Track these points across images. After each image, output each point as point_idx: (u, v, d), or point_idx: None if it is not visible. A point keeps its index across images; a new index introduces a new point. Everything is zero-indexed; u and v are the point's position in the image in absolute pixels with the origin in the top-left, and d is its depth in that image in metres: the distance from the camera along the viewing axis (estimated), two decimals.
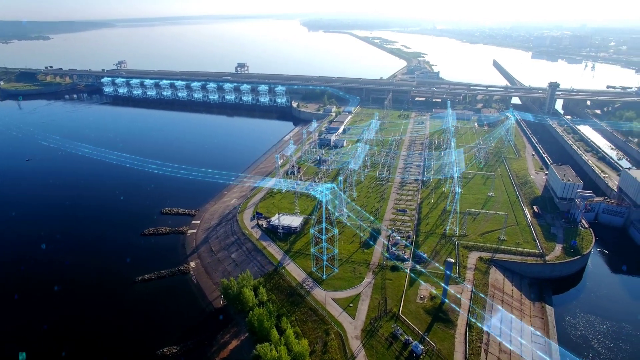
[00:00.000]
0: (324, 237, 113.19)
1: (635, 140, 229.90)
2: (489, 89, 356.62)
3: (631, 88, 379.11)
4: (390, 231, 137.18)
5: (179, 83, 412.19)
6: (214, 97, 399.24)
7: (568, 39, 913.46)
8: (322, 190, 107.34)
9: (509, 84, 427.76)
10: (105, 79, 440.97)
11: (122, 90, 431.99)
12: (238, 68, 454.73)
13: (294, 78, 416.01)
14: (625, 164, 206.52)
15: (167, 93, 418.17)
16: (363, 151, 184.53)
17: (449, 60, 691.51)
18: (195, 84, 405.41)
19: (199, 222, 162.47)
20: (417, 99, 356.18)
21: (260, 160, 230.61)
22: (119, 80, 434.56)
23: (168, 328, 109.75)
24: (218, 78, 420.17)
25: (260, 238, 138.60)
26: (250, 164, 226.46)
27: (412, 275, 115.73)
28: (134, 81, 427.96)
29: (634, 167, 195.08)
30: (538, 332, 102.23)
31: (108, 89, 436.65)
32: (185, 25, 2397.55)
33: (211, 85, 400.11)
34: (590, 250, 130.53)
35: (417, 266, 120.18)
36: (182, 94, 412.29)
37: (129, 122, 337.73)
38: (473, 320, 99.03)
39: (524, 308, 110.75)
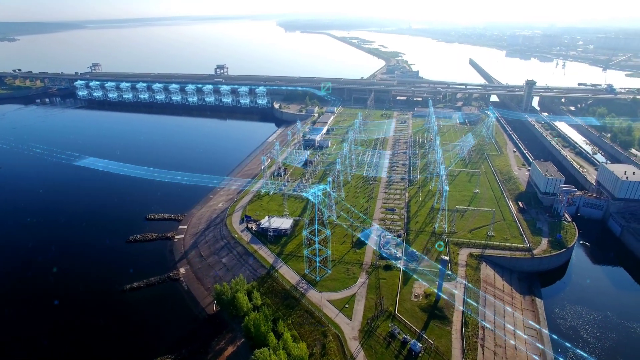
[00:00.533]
0: (316, 239, 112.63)
1: (609, 135, 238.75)
2: (467, 87, 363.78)
3: (600, 85, 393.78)
4: (381, 230, 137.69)
5: (156, 85, 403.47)
6: (193, 99, 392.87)
7: (539, 38, 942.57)
8: (314, 192, 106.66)
9: (486, 82, 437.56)
10: (79, 82, 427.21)
11: (97, 94, 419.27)
12: (217, 70, 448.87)
13: (274, 79, 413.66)
14: (600, 158, 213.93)
15: (144, 96, 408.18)
16: (350, 151, 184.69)
17: (427, 59, 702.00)
18: (174, 86, 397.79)
19: (186, 227, 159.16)
20: (398, 98, 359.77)
21: (245, 163, 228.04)
22: (93, 83, 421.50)
23: (161, 337, 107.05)
24: (199, 80, 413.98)
25: (250, 241, 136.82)
26: (234, 166, 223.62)
27: (408, 271, 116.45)
28: (109, 84, 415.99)
29: (609, 161, 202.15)
30: (531, 325, 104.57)
31: (82, 93, 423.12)
32: (159, 26, 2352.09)
33: (190, 87, 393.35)
34: (575, 243, 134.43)
35: (410, 264, 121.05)
36: (160, 96, 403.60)
37: (105, 127, 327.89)
38: (470, 313, 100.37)
39: (516, 302, 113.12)
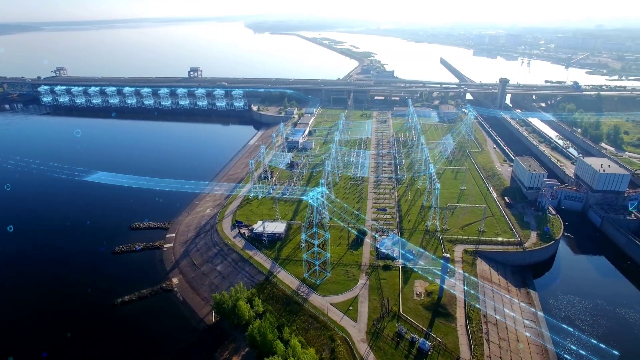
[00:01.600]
0: (315, 242, 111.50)
1: (579, 130, 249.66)
2: (443, 86, 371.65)
3: (565, 82, 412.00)
4: (375, 231, 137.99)
5: (127, 89, 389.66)
6: (166, 103, 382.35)
7: (504, 38, 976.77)
8: (314, 195, 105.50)
9: (459, 81, 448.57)
10: (43, 88, 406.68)
11: (63, 99, 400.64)
12: (191, 72, 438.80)
13: (250, 81, 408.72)
14: (574, 152, 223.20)
15: (114, 100, 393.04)
16: (337, 152, 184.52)
17: (399, 59, 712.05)
18: (146, 90, 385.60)
19: (174, 235, 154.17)
20: (376, 98, 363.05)
21: (228, 167, 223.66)
22: (59, 88, 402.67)
23: (160, 351, 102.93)
24: (171, 84, 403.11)
25: (244, 247, 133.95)
26: (218, 171, 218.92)
27: (410, 267, 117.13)
28: (76, 89, 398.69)
29: (582, 155, 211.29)
30: (529, 317, 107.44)
31: (47, 98, 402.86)
32: (123, 29, 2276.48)
33: (163, 91, 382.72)
34: (561, 235, 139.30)
35: (407, 263, 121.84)
36: (131, 100, 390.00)
37: (72, 134, 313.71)
38: (473, 309, 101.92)
39: (512, 295, 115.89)
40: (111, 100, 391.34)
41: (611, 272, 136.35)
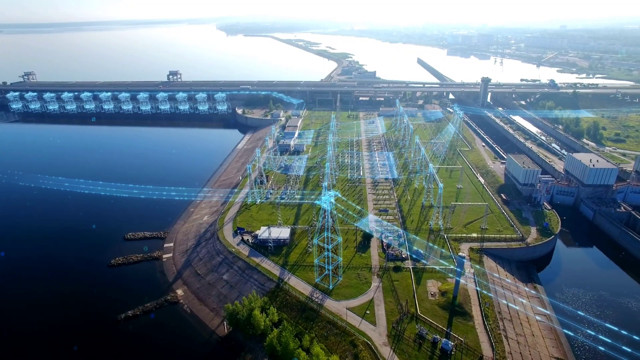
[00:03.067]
0: (329, 247, 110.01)
1: (561, 127, 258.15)
2: (425, 85, 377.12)
3: (539, 80, 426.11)
4: (380, 233, 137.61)
5: (104, 95, 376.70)
6: (146, 107, 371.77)
7: (477, 37, 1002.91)
8: (326, 199, 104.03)
9: (438, 80, 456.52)
10: (12, 94, 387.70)
11: (35, 106, 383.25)
12: (170, 76, 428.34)
13: (232, 84, 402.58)
14: (557, 148, 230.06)
15: (90, 106, 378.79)
16: (334, 154, 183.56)
17: (376, 59, 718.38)
18: (124, 95, 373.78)
19: (172, 244, 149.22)
20: (361, 98, 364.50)
21: (219, 172, 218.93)
22: (29, 94, 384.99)
23: None
24: (151, 88, 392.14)
25: (250, 254, 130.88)
26: (209, 176, 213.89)
27: (424, 268, 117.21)
28: (48, 95, 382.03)
29: (564, 150, 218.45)
30: (540, 311, 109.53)
31: (16, 105, 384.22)
32: (91, 31, 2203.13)
33: (142, 95, 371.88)
34: (560, 229, 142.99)
35: (417, 264, 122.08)
36: (109, 106, 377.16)
37: (50, 142, 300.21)
38: (487, 306, 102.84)
39: (521, 290, 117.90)
40: (87, 106, 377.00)
41: (608, 263, 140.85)
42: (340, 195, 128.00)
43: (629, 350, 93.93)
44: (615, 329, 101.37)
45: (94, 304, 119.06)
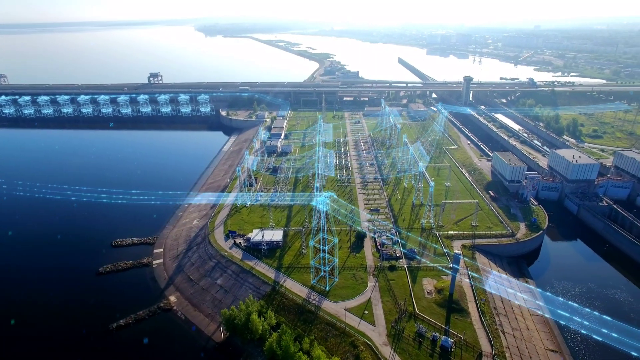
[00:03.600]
0: (325, 248, 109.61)
1: (542, 124, 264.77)
2: (409, 85, 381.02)
3: (518, 79, 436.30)
4: (373, 232, 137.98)
5: (82, 98, 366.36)
6: (126, 110, 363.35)
7: (455, 37, 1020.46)
8: (322, 200, 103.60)
9: (419, 79, 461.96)
10: None
11: (8, 110, 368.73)
12: (151, 78, 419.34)
13: (215, 85, 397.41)
14: (539, 144, 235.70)
15: (67, 110, 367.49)
16: (324, 155, 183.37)
17: (358, 59, 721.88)
18: (103, 97, 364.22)
19: (161, 250, 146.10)
20: (345, 98, 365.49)
21: (206, 175, 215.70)
22: (1, 98, 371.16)
23: None
24: (131, 90, 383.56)
25: (243, 258, 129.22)
26: (196, 180, 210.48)
27: (418, 266, 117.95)
28: (23, 99, 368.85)
29: (546, 147, 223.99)
30: (533, 306, 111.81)
31: None
32: (63, 33, 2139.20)
33: (122, 98, 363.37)
34: (547, 224, 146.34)
35: (411, 262, 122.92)
36: (87, 109, 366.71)
37: (24, 147, 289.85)
38: (483, 302, 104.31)
39: (513, 286, 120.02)
40: (64, 110, 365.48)
41: (593, 256, 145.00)
42: (335, 196, 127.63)
43: (617, 336, 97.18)
44: (609, 318, 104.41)
45: (84, 313, 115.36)
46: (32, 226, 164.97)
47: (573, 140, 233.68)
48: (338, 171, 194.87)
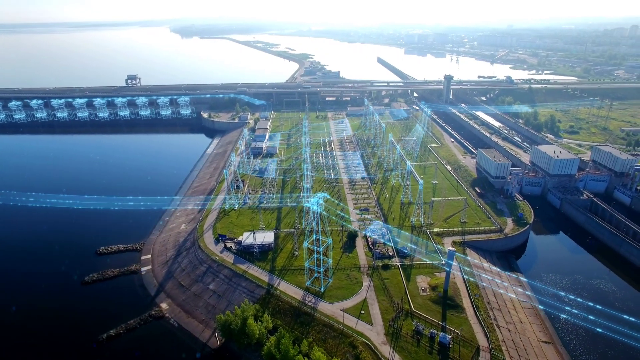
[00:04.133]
0: (320, 249, 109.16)
1: (521, 121, 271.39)
2: (390, 84, 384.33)
3: (495, 77, 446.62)
4: (365, 231, 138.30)
5: (56, 102, 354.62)
6: (103, 114, 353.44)
7: (432, 37, 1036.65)
8: (316, 201, 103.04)
9: (399, 79, 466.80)
10: None
11: None
12: (129, 81, 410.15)
13: (195, 87, 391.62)
14: (519, 140, 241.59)
15: (41, 114, 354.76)
16: (309, 155, 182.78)
17: (337, 59, 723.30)
18: (79, 101, 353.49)
19: (149, 256, 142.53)
20: (327, 99, 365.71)
21: (191, 178, 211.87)
22: None
23: None
24: (108, 93, 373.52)
25: (235, 262, 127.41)
26: (181, 184, 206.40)
27: (411, 264, 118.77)
28: None
29: (527, 143, 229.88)
30: (524, 299, 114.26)
31: None
32: (32, 34, 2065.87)
33: (99, 102, 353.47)
34: (533, 219, 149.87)
35: (404, 260, 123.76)
36: (62, 113, 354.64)
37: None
38: (477, 297, 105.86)
39: (504, 280, 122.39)
40: (38, 115, 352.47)
41: (577, 248, 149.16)
42: (329, 197, 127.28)
43: (604, 322, 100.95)
44: (599, 307, 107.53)
45: (71, 325, 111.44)
46: (10, 235, 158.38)
47: (552, 136, 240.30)
48: (325, 171, 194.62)
